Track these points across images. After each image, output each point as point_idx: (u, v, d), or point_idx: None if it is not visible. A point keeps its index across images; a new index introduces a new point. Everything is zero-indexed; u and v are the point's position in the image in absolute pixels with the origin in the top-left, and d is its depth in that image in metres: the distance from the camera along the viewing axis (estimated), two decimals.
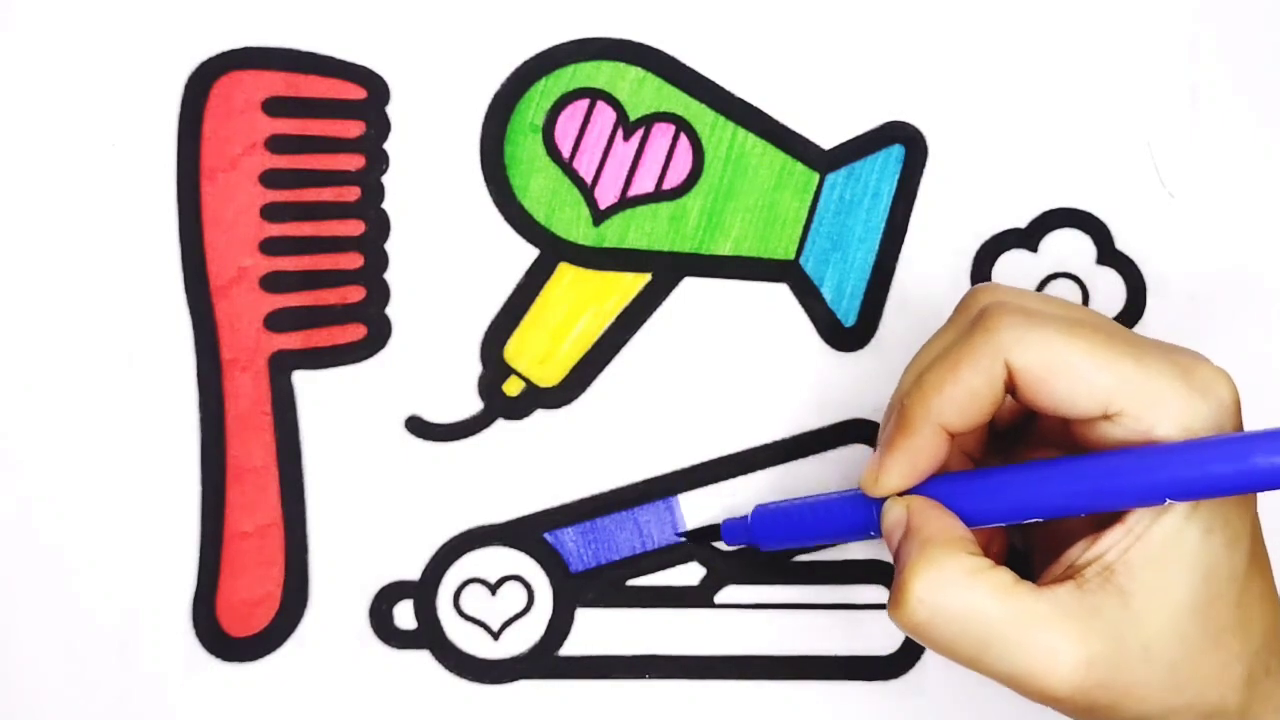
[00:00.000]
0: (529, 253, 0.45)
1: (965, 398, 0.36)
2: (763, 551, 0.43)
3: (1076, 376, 0.35)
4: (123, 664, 0.44)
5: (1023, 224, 0.45)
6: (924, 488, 0.37)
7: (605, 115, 0.44)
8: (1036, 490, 0.35)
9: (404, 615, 0.44)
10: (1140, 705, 0.35)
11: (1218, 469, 0.33)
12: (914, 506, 0.37)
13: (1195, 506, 0.34)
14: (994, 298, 0.37)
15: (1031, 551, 0.41)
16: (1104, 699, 0.34)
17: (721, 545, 0.44)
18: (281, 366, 0.44)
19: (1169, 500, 0.34)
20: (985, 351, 0.35)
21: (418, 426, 0.44)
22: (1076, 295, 0.44)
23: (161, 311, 0.44)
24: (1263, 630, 0.36)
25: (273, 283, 0.44)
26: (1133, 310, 0.45)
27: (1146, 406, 0.34)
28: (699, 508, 0.44)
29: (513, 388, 0.44)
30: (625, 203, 0.44)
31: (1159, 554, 0.34)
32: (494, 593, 0.45)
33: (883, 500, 0.37)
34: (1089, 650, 0.34)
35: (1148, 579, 0.34)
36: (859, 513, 0.38)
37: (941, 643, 0.35)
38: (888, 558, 0.44)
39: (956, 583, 0.34)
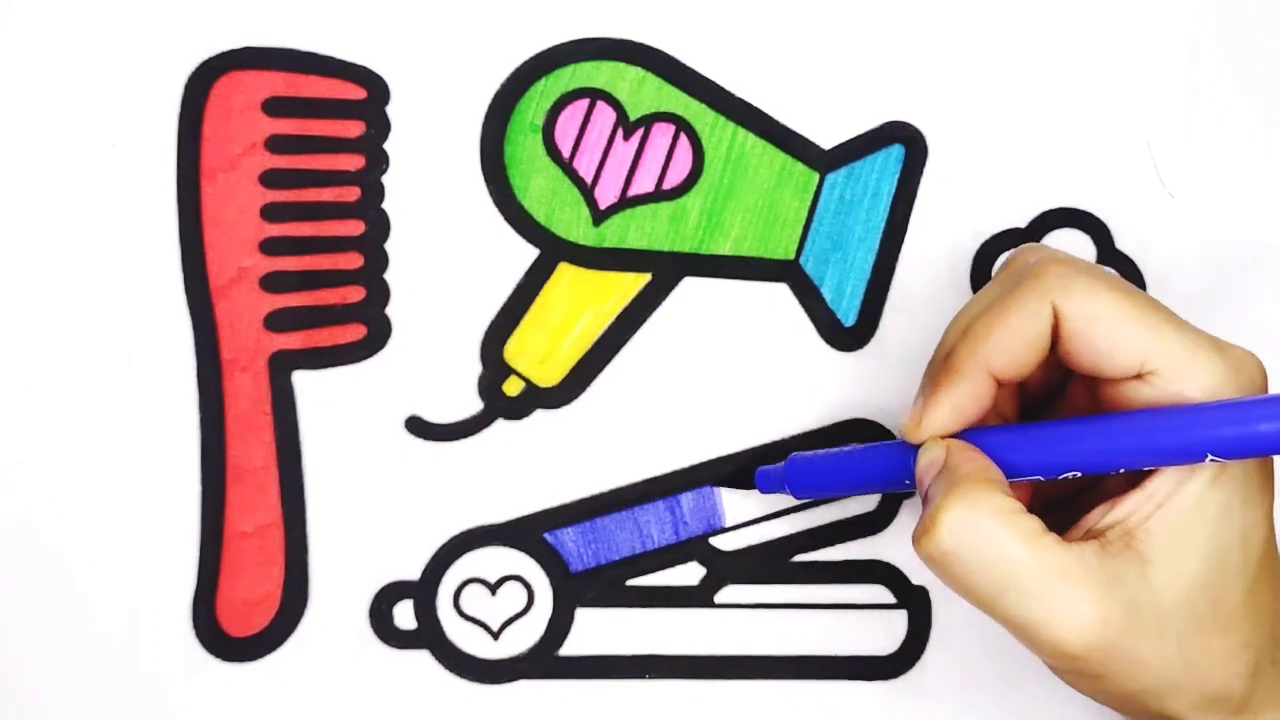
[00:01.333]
0: (529, 253, 0.45)
1: (1014, 343, 0.36)
2: (796, 499, 0.43)
3: (1117, 329, 0.35)
4: (123, 664, 0.44)
5: (1023, 224, 0.45)
6: (963, 438, 0.37)
7: (605, 115, 0.44)
8: (1077, 443, 0.36)
9: (404, 615, 0.44)
10: (1146, 677, 0.35)
11: (1262, 427, 0.33)
12: (952, 447, 0.37)
13: (1219, 481, 0.35)
14: (1043, 254, 0.38)
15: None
16: (1114, 663, 0.35)
17: (752, 494, 0.44)
18: (281, 366, 0.44)
19: (1210, 457, 0.34)
20: (1033, 296, 0.36)
21: (418, 426, 0.44)
22: None
23: (161, 311, 0.44)
24: (1272, 621, 0.36)
25: (273, 283, 0.44)
26: None
27: (1181, 370, 0.35)
28: (699, 507, 0.45)
29: (513, 388, 0.44)
30: (625, 202, 0.44)
31: (1180, 524, 0.35)
32: (494, 593, 0.45)
33: (919, 449, 0.38)
34: (1107, 611, 0.34)
35: (1167, 548, 0.35)
36: (895, 462, 0.39)
37: (961, 578, 0.35)
38: (888, 557, 0.45)
39: (988, 520, 0.35)
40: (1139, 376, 0.35)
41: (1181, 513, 0.35)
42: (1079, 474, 0.36)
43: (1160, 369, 0.35)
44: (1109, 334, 0.35)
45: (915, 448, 0.38)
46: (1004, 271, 0.38)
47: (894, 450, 0.39)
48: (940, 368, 0.37)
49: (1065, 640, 0.34)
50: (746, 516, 0.45)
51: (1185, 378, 0.35)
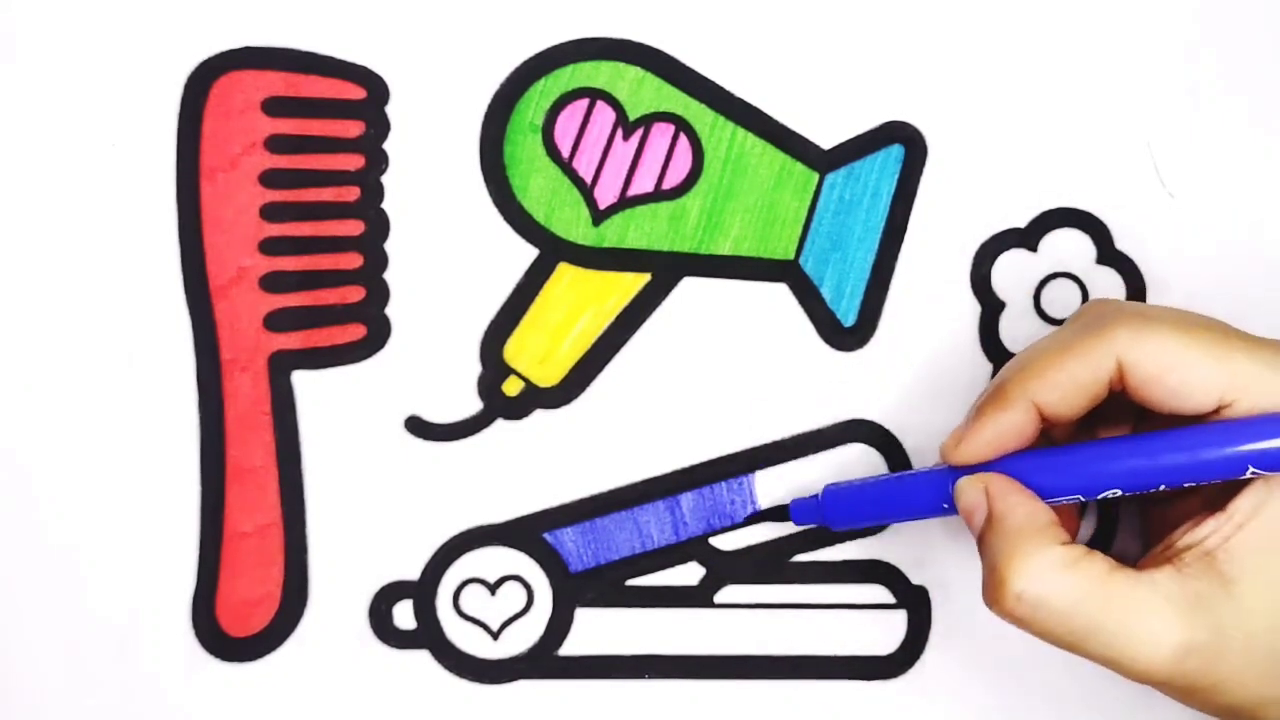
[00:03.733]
0: (529, 253, 0.45)
1: (1068, 385, 0.37)
2: (834, 531, 0.43)
3: (1190, 374, 0.36)
4: (123, 664, 0.44)
5: (1022, 224, 0.45)
6: (1001, 460, 0.38)
7: (605, 115, 0.44)
8: (1115, 462, 0.36)
9: (403, 615, 0.44)
10: (1238, 691, 0.36)
11: None
12: (993, 489, 0.37)
13: None
14: (1110, 306, 0.38)
15: (1147, 532, 0.42)
16: (1202, 682, 0.35)
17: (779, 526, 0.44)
18: (281, 366, 0.44)
19: (1251, 470, 0.35)
20: (1098, 346, 0.36)
21: (417, 426, 0.44)
22: (1076, 295, 0.44)
23: (161, 311, 0.44)
24: None
25: (272, 283, 0.44)
26: None
27: (1261, 392, 0.35)
28: (699, 507, 0.45)
29: (512, 388, 0.44)
30: (625, 202, 0.44)
31: (1263, 543, 0.35)
32: (493, 593, 0.45)
33: (957, 475, 0.38)
34: (1189, 636, 0.35)
35: (1251, 567, 0.35)
36: (933, 489, 0.39)
37: (1042, 634, 0.36)
38: (887, 557, 0.45)
39: (1054, 577, 0.35)
40: (1218, 410, 0.36)
41: (1263, 532, 0.35)
42: (1120, 492, 0.36)
43: (1239, 398, 0.36)
44: (1183, 380, 0.36)
45: (953, 474, 0.38)
46: (1076, 317, 0.39)
47: (931, 478, 0.39)
48: (988, 394, 0.38)
49: (1153, 669, 0.35)
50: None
51: (1265, 399, 0.35)
